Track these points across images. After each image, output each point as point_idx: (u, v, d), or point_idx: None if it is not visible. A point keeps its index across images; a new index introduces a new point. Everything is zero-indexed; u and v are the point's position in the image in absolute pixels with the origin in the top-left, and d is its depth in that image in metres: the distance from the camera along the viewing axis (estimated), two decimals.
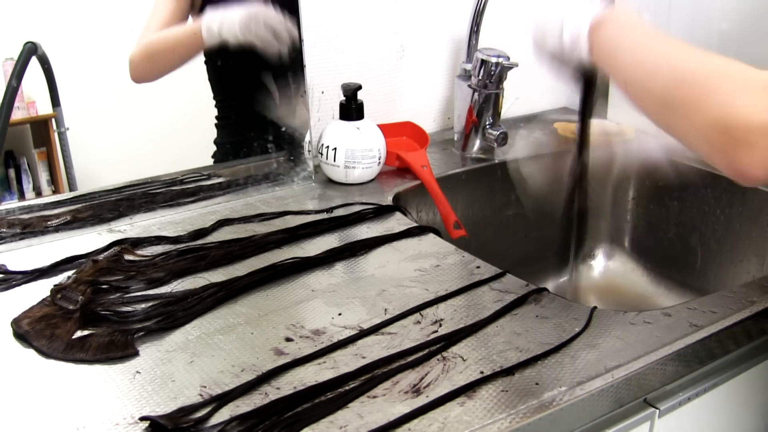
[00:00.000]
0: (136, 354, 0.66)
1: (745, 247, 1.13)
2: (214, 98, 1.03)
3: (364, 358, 0.65)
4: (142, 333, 0.69)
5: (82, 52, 0.92)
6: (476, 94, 1.18)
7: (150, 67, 0.97)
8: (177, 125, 1.02)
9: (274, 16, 0.98)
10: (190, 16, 0.99)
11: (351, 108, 1.07)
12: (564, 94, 1.49)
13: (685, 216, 1.21)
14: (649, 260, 1.28)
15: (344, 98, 1.07)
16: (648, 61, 0.64)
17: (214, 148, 1.06)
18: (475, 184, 1.18)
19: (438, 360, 0.65)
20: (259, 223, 0.94)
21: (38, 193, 0.94)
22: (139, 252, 0.85)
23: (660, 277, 1.26)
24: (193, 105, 1.04)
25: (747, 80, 0.57)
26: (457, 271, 0.82)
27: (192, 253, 0.85)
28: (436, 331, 0.70)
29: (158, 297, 0.76)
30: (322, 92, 1.17)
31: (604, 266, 1.32)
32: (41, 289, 0.76)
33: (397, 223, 0.95)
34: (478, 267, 0.83)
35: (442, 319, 0.72)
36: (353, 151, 1.05)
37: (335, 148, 1.06)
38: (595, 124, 1.29)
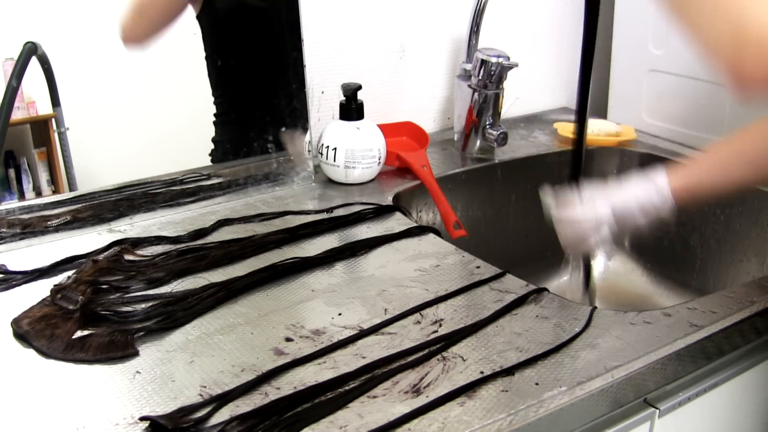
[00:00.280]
0: (136, 354, 0.66)
1: (745, 247, 1.13)
2: (213, 95, 1.03)
3: (364, 358, 0.65)
4: (142, 333, 0.69)
5: (82, 52, 0.92)
6: (476, 94, 1.18)
7: (138, 23, 0.95)
8: (177, 125, 1.02)
9: None
10: None
11: (351, 108, 1.07)
12: (564, 94, 1.49)
13: (685, 216, 1.21)
14: (649, 260, 1.28)
15: (344, 98, 1.07)
16: None
17: (213, 147, 1.06)
18: (475, 184, 1.18)
19: (438, 360, 0.65)
20: (259, 223, 0.94)
21: (38, 193, 0.94)
22: (139, 252, 0.85)
23: (660, 277, 1.26)
24: (193, 105, 1.04)
25: None
26: (457, 271, 0.82)
27: (192, 253, 0.85)
28: (436, 331, 0.70)
29: (158, 297, 0.76)
30: (322, 92, 1.17)
31: (604, 266, 1.32)
32: (41, 289, 0.76)
33: (397, 223, 0.95)
34: (478, 267, 0.83)
35: (442, 319, 0.72)
36: (353, 151, 1.05)
37: (335, 148, 1.06)
38: (595, 124, 1.29)
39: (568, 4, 1.44)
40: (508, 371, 0.63)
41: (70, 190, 0.95)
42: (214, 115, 1.04)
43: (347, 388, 0.61)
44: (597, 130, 1.30)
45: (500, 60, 1.15)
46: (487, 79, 1.16)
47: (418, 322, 0.71)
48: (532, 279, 0.82)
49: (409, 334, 0.69)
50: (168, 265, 0.82)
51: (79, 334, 0.69)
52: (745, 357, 0.79)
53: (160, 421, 0.56)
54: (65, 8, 0.91)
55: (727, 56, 0.59)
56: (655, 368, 0.66)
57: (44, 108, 0.91)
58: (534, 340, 0.68)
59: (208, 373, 0.63)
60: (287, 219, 0.96)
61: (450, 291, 0.77)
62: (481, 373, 0.63)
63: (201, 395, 0.60)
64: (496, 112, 1.20)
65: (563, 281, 1.29)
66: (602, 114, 1.40)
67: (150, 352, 0.67)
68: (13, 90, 0.88)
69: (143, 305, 0.74)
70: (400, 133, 1.21)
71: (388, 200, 1.02)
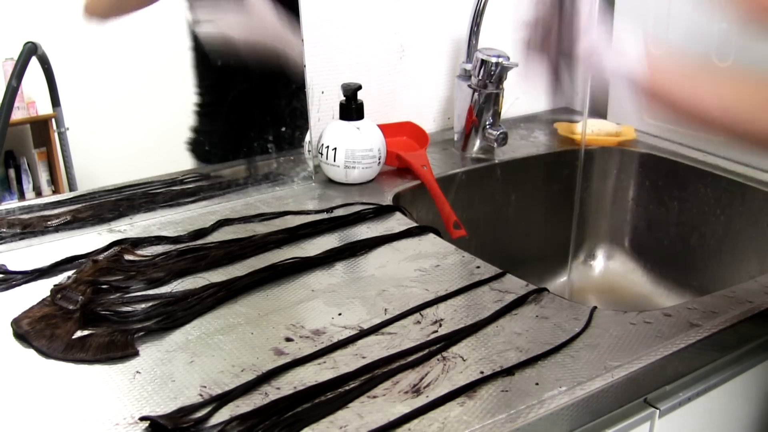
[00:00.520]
0: (136, 354, 0.66)
1: (745, 247, 1.13)
2: (198, 85, 1.01)
3: (364, 358, 0.65)
4: (142, 333, 0.69)
5: (82, 52, 0.92)
6: (476, 94, 1.18)
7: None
8: (177, 125, 1.02)
9: None
10: None
11: (351, 108, 1.07)
12: (564, 94, 1.49)
13: (685, 216, 1.21)
14: (649, 260, 1.28)
15: (344, 98, 1.07)
16: None
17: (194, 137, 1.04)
18: (475, 184, 1.18)
19: (438, 360, 0.65)
20: (259, 223, 0.95)
21: (38, 193, 0.94)
22: (139, 252, 0.85)
23: (660, 277, 1.26)
24: (193, 105, 1.04)
25: None
26: (457, 271, 0.82)
27: (192, 253, 0.85)
28: (436, 331, 0.70)
29: (158, 297, 0.76)
30: (322, 92, 1.17)
31: (604, 266, 1.33)
32: (41, 289, 0.76)
33: (397, 223, 0.95)
34: (478, 267, 0.83)
35: (442, 319, 0.72)
36: (353, 151, 1.05)
37: (335, 148, 1.06)
38: (595, 124, 1.29)
39: None
40: (508, 371, 0.63)
41: (70, 190, 0.95)
42: (197, 105, 1.02)
43: (347, 388, 0.61)
44: (597, 130, 1.30)
45: (500, 60, 1.15)
46: (487, 79, 1.16)
47: (418, 322, 0.71)
48: (532, 279, 0.82)
49: (409, 334, 0.69)
50: (168, 265, 0.82)
51: (79, 334, 0.69)
52: (745, 357, 0.79)
53: (160, 421, 0.56)
54: (65, 8, 0.91)
55: None
56: (655, 368, 0.66)
57: (44, 108, 0.91)
58: (534, 340, 0.68)
59: (208, 373, 0.63)
60: (287, 219, 0.96)
61: (450, 291, 0.77)
62: (481, 373, 0.63)
63: (201, 395, 0.60)
64: (496, 112, 1.20)
65: (563, 281, 1.29)
66: (602, 114, 1.40)
67: (150, 352, 0.67)
68: (13, 90, 0.88)
69: (143, 305, 0.74)
70: (400, 133, 1.21)
71: (388, 200, 1.02)
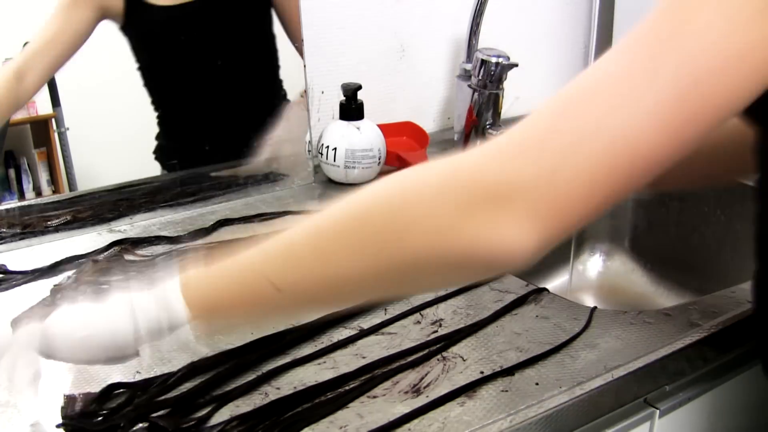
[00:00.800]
0: (135, 354, 0.66)
1: (745, 247, 1.13)
2: (155, 106, 0.98)
3: (364, 358, 0.65)
4: None
5: (82, 52, 0.92)
6: (476, 94, 1.18)
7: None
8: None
9: None
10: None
11: (351, 108, 1.07)
12: None
13: (685, 216, 1.21)
14: (649, 260, 1.28)
15: (344, 98, 1.07)
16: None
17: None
18: None
19: (438, 360, 0.65)
20: (259, 223, 0.94)
21: (38, 193, 0.94)
22: (139, 252, 0.85)
23: (660, 277, 1.26)
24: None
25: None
26: None
27: (192, 253, 0.85)
28: (436, 331, 0.70)
29: None
30: (322, 92, 1.17)
31: (604, 266, 1.32)
32: (41, 289, 0.76)
33: None
34: None
35: (442, 319, 0.72)
36: (353, 151, 1.05)
37: (335, 148, 1.06)
38: None
39: (568, 4, 1.44)
40: (508, 371, 0.63)
41: (70, 190, 0.95)
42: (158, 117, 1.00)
43: (347, 388, 0.61)
44: None
45: (500, 60, 1.15)
46: (487, 79, 1.16)
47: (418, 322, 0.71)
48: (532, 279, 0.81)
49: (409, 334, 0.69)
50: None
51: None
52: (746, 357, 0.78)
53: (160, 423, 0.56)
54: None
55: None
56: (655, 368, 0.66)
57: (44, 108, 0.91)
58: (534, 340, 0.68)
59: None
60: (287, 219, 0.95)
61: (450, 291, 0.77)
62: (481, 373, 0.63)
63: (202, 395, 0.60)
64: (496, 112, 1.20)
65: (563, 281, 1.29)
66: None
67: (150, 351, 0.67)
68: None
69: None
70: (400, 133, 1.21)
71: None
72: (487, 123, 1.20)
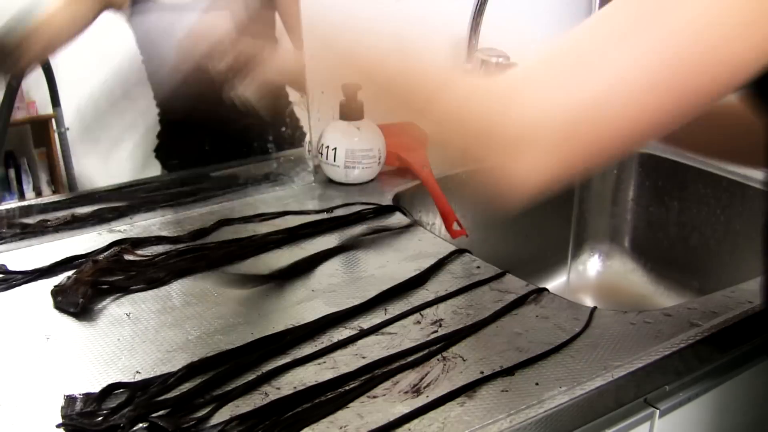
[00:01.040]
0: None
1: (745, 247, 1.13)
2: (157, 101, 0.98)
3: (364, 358, 0.65)
4: None
5: (82, 52, 0.92)
6: None
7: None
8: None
9: None
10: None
11: (351, 108, 1.07)
12: None
13: (685, 216, 1.21)
14: (649, 260, 1.28)
15: (344, 98, 1.07)
16: None
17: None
18: (475, 185, 1.18)
19: (438, 360, 0.65)
20: (259, 223, 0.94)
21: (38, 193, 0.94)
22: (139, 252, 0.85)
23: (660, 277, 1.26)
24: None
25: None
26: (457, 271, 0.82)
27: (192, 253, 0.85)
28: (436, 331, 0.70)
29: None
30: (322, 92, 1.17)
31: (604, 266, 1.32)
32: (41, 289, 0.76)
33: (397, 223, 0.95)
34: (478, 267, 0.83)
35: (442, 319, 0.72)
36: (353, 151, 1.05)
37: (335, 148, 1.06)
38: None
39: (568, 4, 1.43)
40: (508, 371, 0.63)
41: (70, 190, 0.95)
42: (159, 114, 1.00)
43: (347, 388, 0.61)
44: None
45: (500, 60, 1.15)
46: None
47: (418, 322, 0.71)
48: (532, 279, 0.81)
49: (409, 334, 0.69)
50: (168, 265, 0.82)
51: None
52: (746, 357, 0.78)
53: (160, 423, 0.56)
54: None
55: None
56: (655, 368, 0.66)
57: (44, 108, 0.91)
58: (534, 340, 0.68)
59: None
60: (287, 219, 0.95)
61: (450, 291, 0.77)
62: (481, 373, 0.63)
63: (201, 395, 0.60)
64: None
65: (563, 281, 1.29)
66: None
67: (150, 351, 0.67)
68: (13, 90, 0.88)
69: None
70: (400, 133, 1.21)
71: (388, 200, 1.02)
72: None
